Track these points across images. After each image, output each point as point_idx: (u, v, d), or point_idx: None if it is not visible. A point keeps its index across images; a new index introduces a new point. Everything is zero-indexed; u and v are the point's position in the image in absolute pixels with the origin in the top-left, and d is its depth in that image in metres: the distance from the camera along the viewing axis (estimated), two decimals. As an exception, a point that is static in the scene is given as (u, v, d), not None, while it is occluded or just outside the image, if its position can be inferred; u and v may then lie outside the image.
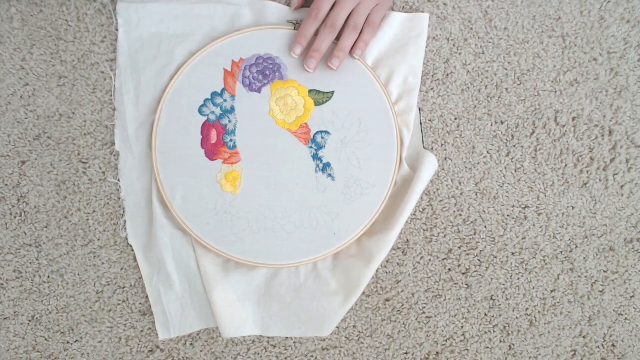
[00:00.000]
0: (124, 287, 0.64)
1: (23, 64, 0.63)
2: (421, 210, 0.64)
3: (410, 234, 0.64)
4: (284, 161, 0.61)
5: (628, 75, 0.65)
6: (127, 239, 0.63)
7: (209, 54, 0.61)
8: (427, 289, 0.65)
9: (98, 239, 0.63)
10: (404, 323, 0.64)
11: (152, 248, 0.62)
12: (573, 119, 0.65)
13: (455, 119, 0.64)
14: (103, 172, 0.63)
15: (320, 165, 0.62)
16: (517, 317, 0.65)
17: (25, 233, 0.63)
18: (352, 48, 0.60)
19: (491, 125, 0.65)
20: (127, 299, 0.64)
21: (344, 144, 0.62)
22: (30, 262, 0.63)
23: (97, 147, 0.63)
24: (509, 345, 0.65)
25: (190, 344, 0.64)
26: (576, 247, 0.65)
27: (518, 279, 0.65)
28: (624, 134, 0.65)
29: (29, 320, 0.64)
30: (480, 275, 0.65)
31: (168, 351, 0.64)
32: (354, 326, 0.64)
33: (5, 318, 0.64)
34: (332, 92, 0.62)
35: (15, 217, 0.63)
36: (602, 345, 0.66)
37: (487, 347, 0.65)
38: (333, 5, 0.59)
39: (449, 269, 0.65)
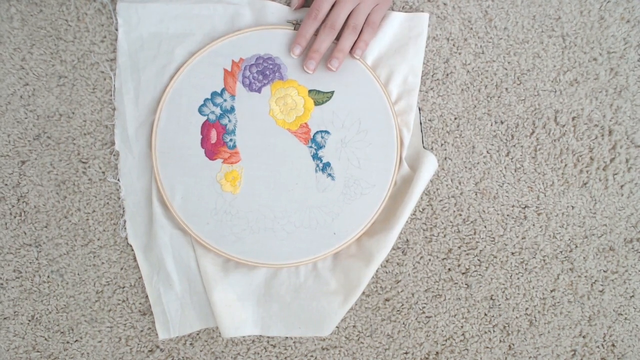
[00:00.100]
0: (124, 287, 0.64)
1: (23, 64, 0.63)
2: (421, 210, 0.64)
3: (410, 234, 0.64)
4: (284, 161, 0.61)
5: (628, 75, 0.65)
6: (127, 239, 0.63)
7: (209, 54, 0.61)
8: (427, 289, 0.65)
9: (98, 239, 0.63)
10: (404, 323, 0.64)
11: (152, 248, 0.62)
12: (573, 119, 0.65)
13: (455, 119, 0.64)
14: (103, 172, 0.63)
15: (320, 165, 0.62)
16: (517, 317, 0.65)
17: (25, 233, 0.63)
18: (352, 48, 0.60)
19: (491, 125, 0.65)
20: (127, 299, 0.64)
21: (344, 144, 0.62)
22: (30, 262, 0.63)
23: (97, 147, 0.63)
24: (509, 345, 0.65)
25: (190, 344, 0.64)
26: (576, 247, 0.65)
27: (518, 279, 0.65)
28: (624, 134, 0.65)
29: (29, 320, 0.64)
30: (480, 275, 0.65)
31: (168, 351, 0.64)
32: (354, 326, 0.64)
33: (5, 318, 0.64)
34: (332, 92, 0.62)
35: (15, 217, 0.63)
36: (602, 345, 0.66)
37: (487, 347, 0.65)
38: (333, 6, 0.59)
39: (449, 269, 0.65)
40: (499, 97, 0.65)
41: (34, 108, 0.63)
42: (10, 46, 0.63)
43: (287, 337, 0.64)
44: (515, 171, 0.65)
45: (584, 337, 0.65)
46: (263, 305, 0.62)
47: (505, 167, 0.65)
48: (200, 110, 0.61)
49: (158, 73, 0.62)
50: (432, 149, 0.64)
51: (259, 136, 0.61)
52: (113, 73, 0.63)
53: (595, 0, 0.64)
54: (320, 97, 0.62)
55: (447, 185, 0.64)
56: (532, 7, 0.64)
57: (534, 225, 0.65)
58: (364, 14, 0.60)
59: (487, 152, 0.65)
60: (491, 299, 0.65)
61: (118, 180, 0.63)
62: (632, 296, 0.65)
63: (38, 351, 0.64)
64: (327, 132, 0.62)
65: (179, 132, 0.61)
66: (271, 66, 0.62)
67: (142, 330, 0.64)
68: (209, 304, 0.61)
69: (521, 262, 0.65)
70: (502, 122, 0.65)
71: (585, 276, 0.65)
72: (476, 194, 0.65)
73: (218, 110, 0.61)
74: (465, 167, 0.64)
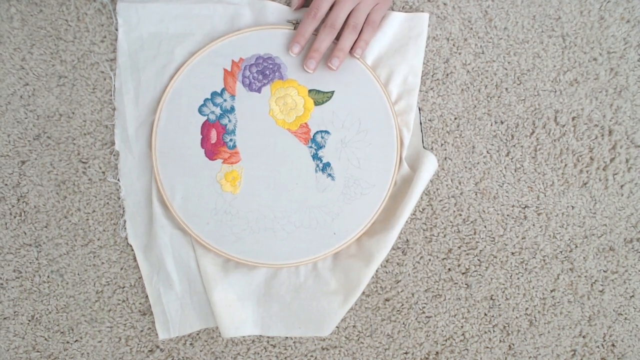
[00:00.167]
0: (124, 287, 0.64)
1: (23, 64, 0.63)
2: (421, 210, 0.64)
3: (410, 234, 0.64)
4: (284, 161, 0.61)
5: (628, 75, 0.65)
6: (127, 239, 0.63)
7: (209, 54, 0.61)
8: (427, 289, 0.65)
9: (98, 239, 0.63)
10: (404, 323, 0.64)
11: (152, 248, 0.62)
12: (573, 119, 0.65)
13: (455, 119, 0.64)
14: (103, 172, 0.63)
15: (320, 165, 0.62)
16: (517, 317, 0.65)
17: (25, 233, 0.63)
18: (352, 48, 0.60)
19: (491, 125, 0.65)
20: (127, 299, 0.64)
21: (344, 144, 0.62)
22: (30, 262, 0.63)
23: (97, 147, 0.63)
24: (509, 345, 0.65)
25: (190, 344, 0.64)
26: (576, 247, 0.65)
27: (518, 279, 0.65)
28: (624, 134, 0.65)
29: (29, 320, 0.64)
30: (480, 275, 0.65)
31: (168, 351, 0.64)
32: (354, 326, 0.64)
33: (5, 318, 0.64)
34: (332, 92, 0.62)
35: (15, 217, 0.63)
36: (602, 345, 0.66)
37: (487, 347, 0.65)
38: (333, 5, 0.59)
39: (449, 269, 0.65)
40: (499, 97, 0.65)
41: (34, 108, 0.63)
42: (10, 46, 0.63)
43: (287, 337, 0.64)
44: (515, 171, 0.65)
45: (584, 337, 0.65)
46: (263, 305, 0.62)
47: (505, 167, 0.65)
48: (200, 110, 0.61)
49: (158, 73, 0.62)
50: (432, 149, 0.64)
51: (259, 136, 0.61)
52: (113, 73, 0.63)
53: (595, 0, 0.64)
54: (320, 97, 0.62)
55: (447, 185, 0.64)
56: (532, 7, 0.64)
57: (534, 225, 0.65)
58: (364, 14, 0.60)
59: (487, 152, 0.65)
60: (491, 299, 0.65)
61: (118, 180, 0.63)
62: (632, 296, 0.65)
63: (38, 351, 0.64)
64: (327, 132, 0.62)
65: (179, 132, 0.61)
66: (271, 66, 0.62)
67: (142, 330, 0.64)
68: (209, 304, 0.61)
69: (521, 262, 0.65)
70: (502, 122, 0.65)
71: (585, 276, 0.65)
72: (476, 194, 0.65)
73: (218, 110, 0.61)
74: (465, 167, 0.64)
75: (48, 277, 0.63)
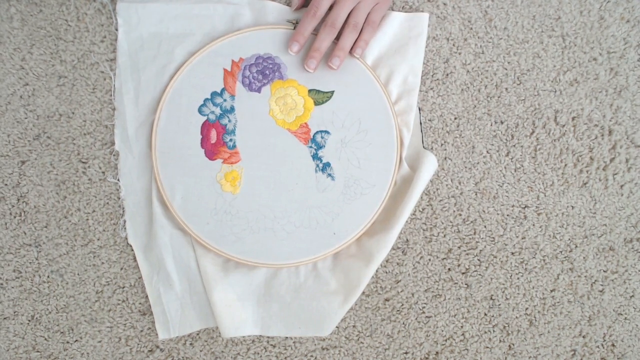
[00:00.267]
0: (124, 287, 0.64)
1: (23, 64, 0.63)
2: (421, 210, 0.64)
3: (410, 234, 0.64)
4: (284, 161, 0.61)
5: (628, 75, 0.65)
6: (127, 239, 0.63)
7: (208, 54, 0.61)
8: (427, 289, 0.65)
9: (98, 239, 0.63)
10: (404, 323, 0.64)
11: (152, 248, 0.62)
12: (573, 119, 0.65)
13: (455, 119, 0.64)
14: (103, 172, 0.63)
15: (320, 165, 0.62)
16: (517, 317, 0.65)
17: (25, 233, 0.63)
18: (352, 47, 0.60)
19: (491, 125, 0.65)
20: (127, 299, 0.64)
21: (344, 144, 0.62)
22: (30, 262, 0.63)
23: (97, 147, 0.63)
24: (509, 345, 0.65)
25: (190, 344, 0.64)
26: (576, 247, 0.65)
27: (518, 279, 0.65)
28: (624, 134, 0.65)
29: (29, 320, 0.64)
30: (480, 275, 0.65)
31: (168, 351, 0.64)
32: (354, 326, 0.64)
33: (5, 318, 0.64)
34: (332, 92, 0.62)
35: (15, 217, 0.63)
36: (602, 345, 0.66)
37: (487, 347, 0.65)
38: (333, 5, 0.59)
39: (449, 269, 0.65)
40: (499, 97, 0.65)
41: (34, 108, 0.63)
42: (10, 46, 0.63)
43: (287, 337, 0.64)
44: (515, 171, 0.65)
45: (584, 337, 0.65)
46: (263, 305, 0.62)
47: (505, 167, 0.65)
48: (200, 110, 0.61)
49: (158, 73, 0.62)
50: (432, 149, 0.64)
51: (259, 136, 0.61)
52: (113, 73, 0.63)
53: (595, 0, 0.64)
54: (320, 97, 0.62)
55: (447, 185, 0.64)
56: (532, 7, 0.64)
57: (534, 225, 0.65)
58: (364, 13, 0.60)
59: (487, 152, 0.65)
60: (491, 299, 0.65)
61: (118, 180, 0.63)
62: (632, 296, 0.65)
63: (38, 351, 0.64)
64: (327, 132, 0.62)
65: (179, 132, 0.61)
66: (271, 66, 0.62)
67: (142, 330, 0.64)
68: (209, 304, 0.61)
69: (521, 262, 0.65)
70: (502, 122, 0.65)
71: (585, 276, 0.65)
72: (476, 194, 0.65)
73: (218, 110, 0.61)
74: (465, 167, 0.64)
75: (48, 277, 0.63)
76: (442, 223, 0.64)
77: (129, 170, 0.62)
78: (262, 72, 0.62)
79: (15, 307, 0.64)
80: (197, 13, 0.62)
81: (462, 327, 0.65)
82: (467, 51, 0.64)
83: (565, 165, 0.65)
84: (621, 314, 0.65)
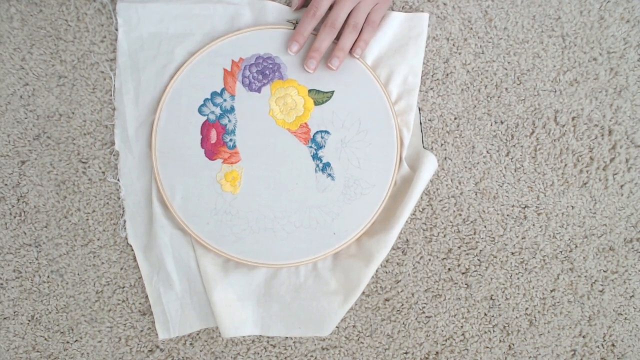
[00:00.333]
0: (124, 287, 0.64)
1: (23, 64, 0.63)
2: (421, 210, 0.64)
3: (410, 234, 0.64)
4: (284, 161, 0.61)
5: (628, 75, 0.65)
6: (127, 239, 0.63)
7: (208, 54, 0.61)
8: (427, 289, 0.65)
9: (98, 239, 0.63)
10: (404, 323, 0.64)
11: (152, 248, 0.62)
12: (573, 119, 0.65)
13: (455, 119, 0.64)
14: (103, 172, 0.63)
15: (320, 165, 0.62)
16: (517, 317, 0.65)
17: (25, 233, 0.63)
18: (352, 48, 0.60)
19: (491, 125, 0.65)
20: (127, 299, 0.64)
21: (344, 144, 0.62)
22: (30, 262, 0.63)
23: (97, 147, 0.63)
24: (509, 345, 0.65)
25: (190, 344, 0.64)
26: (576, 247, 0.65)
27: (518, 279, 0.65)
28: (624, 134, 0.65)
29: (29, 320, 0.64)
30: (480, 275, 0.65)
31: (168, 351, 0.64)
32: (354, 326, 0.64)
33: (5, 318, 0.64)
34: (332, 92, 0.62)
35: (15, 217, 0.63)
36: (602, 345, 0.66)
37: (487, 347, 0.65)
38: (332, 5, 0.59)
39: (449, 269, 0.65)
40: (499, 97, 0.65)
41: (34, 108, 0.63)
42: (10, 46, 0.63)
43: (287, 337, 0.64)
44: (515, 171, 0.65)
45: (584, 337, 0.65)
46: (263, 305, 0.62)
47: (505, 167, 0.65)
48: (200, 110, 0.61)
49: (158, 73, 0.62)
50: (432, 149, 0.64)
51: (259, 136, 0.61)
52: (113, 73, 0.63)
53: (595, 0, 0.64)
54: (320, 97, 0.62)
55: (447, 185, 0.64)
56: (532, 7, 0.64)
57: (534, 225, 0.65)
58: (364, 13, 0.60)
59: (487, 152, 0.65)
60: (491, 299, 0.65)
61: (118, 180, 0.63)
62: (632, 296, 0.65)
63: (38, 351, 0.64)
64: (327, 132, 0.62)
65: (179, 132, 0.61)
66: (271, 66, 0.62)
67: (142, 330, 0.64)
68: (209, 304, 0.61)
69: (521, 262, 0.65)
70: (502, 122, 0.65)
71: (585, 276, 0.65)
72: (476, 194, 0.65)
73: (218, 110, 0.61)
74: (465, 167, 0.64)
75: (48, 277, 0.63)
76: (442, 223, 0.64)
77: (129, 170, 0.62)
78: (262, 72, 0.62)
79: (15, 307, 0.64)
80: (197, 13, 0.62)
81: (462, 327, 0.65)
82: (467, 51, 0.64)
83: (565, 165, 0.65)
84: (621, 314, 0.65)
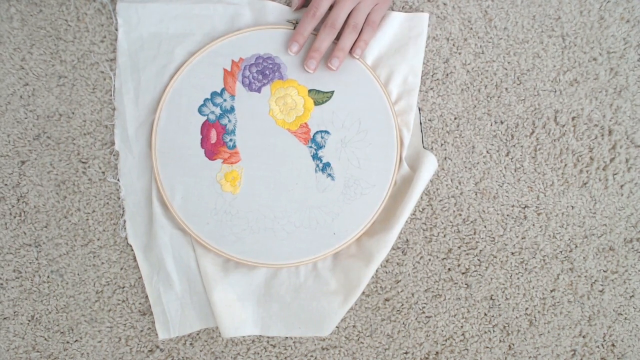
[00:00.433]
0: (124, 287, 0.64)
1: (23, 64, 0.63)
2: (421, 210, 0.64)
3: (410, 234, 0.64)
4: (284, 161, 0.61)
5: (628, 75, 0.65)
6: (127, 239, 0.63)
7: (208, 54, 0.61)
8: (427, 289, 0.65)
9: (98, 239, 0.63)
10: (404, 323, 0.64)
11: (152, 248, 0.62)
12: (573, 119, 0.65)
13: (455, 119, 0.64)
14: (103, 172, 0.63)
15: (320, 165, 0.62)
16: (517, 317, 0.65)
17: (25, 233, 0.63)
18: (352, 48, 0.60)
19: (491, 125, 0.65)
20: (127, 299, 0.64)
21: (344, 144, 0.62)
22: (30, 262, 0.63)
23: (97, 147, 0.63)
24: (509, 345, 0.65)
25: (190, 344, 0.64)
26: (576, 247, 0.65)
27: (518, 279, 0.65)
28: (624, 134, 0.65)
29: (29, 320, 0.64)
30: (480, 275, 0.65)
31: (168, 351, 0.64)
32: (354, 326, 0.64)
33: (5, 318, 0.64)
34: (332, 92, 0.62)
35: (15, 217, 0.63)
36: (602, 345, 0.66)
37: (487, 347, 0.65)
38: (332, 5, 0.59)
39: (449, 269, 0.65)
40: (499, 97, 0.65)
41: (34, 108, 0.63)
42: (10, 46, 0.63)
43: (287, 337, 0.64)
44: (515, 171, 0.65)
45: (584, 337, 0.65)
46: (263, 305, 0.62)
47: (505, 167, 0.65)
48: (200, 110, 0.61)
49: (158, 73, 0.62)
50: (432, 149, 0.64)
51: (259, 136, 0.61)
52: (113, 73, 0.63)
53: (595, 0, 0.65)
54: (320, 97, 0.62)
55: (447, 185, 0.64)
56: (532, 7, 0.64)
57: (534, 225, 0.65)
58: (364, 13, 0.60)
59: (487, 152, 0.65)
60: (491, 299, 0.65)
61: (118, 180, 0.63)
62: (632, 296, 0.65)
63: (38, 351, 0.64)
64: (327, 132, 0.62)
65: (179, 132, 0.61)
66: (271, 66, 0.62)
67: (142, 330, 0.64)
68: (209, 304, 0.61)
69: (521, 262, 0.65)
70: (502, 122, 0.65)
71: (585, 276, 0.65)
72: (476, 194, 0.65)
73: (218, 110, 0.61)
74: (465, 167, 0.64)
75: (48, 277, 0.63)
76: (442, 223, 0.64)
77: (129, 170, 0.62)
78: (262, 72, 0.62)
79: (15, 307, 0.64)
80: (197, 13, 0.62)
81: (462, 327, 0.65)
82: (467, 51, 0.64)
83: (565, 165, 0.65)
84: (621, 314, 0.65)
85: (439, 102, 0.64)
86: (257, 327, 0.62)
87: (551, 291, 0.65)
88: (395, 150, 0.62)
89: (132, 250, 0.63)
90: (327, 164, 0.62)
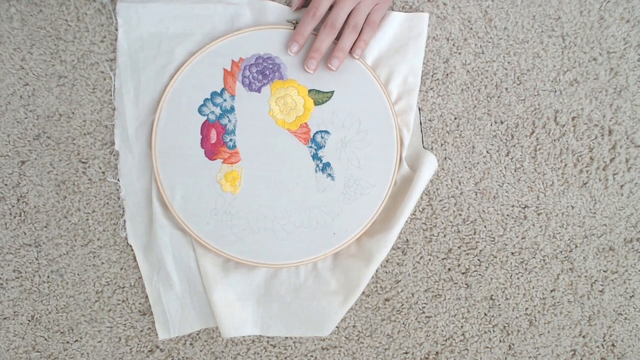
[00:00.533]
0: (124, 287, 0.64)
1: (23, 64, 0.63)
2: (421, 210, 0.64)
3: (410, 234, 0.64)
4: (284, 161, 0.61)
5: (628, 75, 0.65)
6: (127, 239, 0.63)
7: (208, 54, 0.61)
8: (427, 289, 0.65)
9: (98, 239, 0.63)
10: (404, 323, 0.64)
11: (152, 248, 0.62)
12: (573, 119, 0.65)
13: (455, 119, 0.64)
14: (103, 172, 0.63)
15: (320, 165, 0.62)
16: (517, 317, 0.65)
17: (25, 233, 0.63)
18: (352, 48, 0.60)
19: (491, 125, 0.65)
20: (127, 299, 0.64)
21: (344, 144, 0.62)
22: (30, 262, 0.63)
23: (97, 147, 0.63)
24: (509, 345, 0.65)
25: (190, 344, 0.64)
26: (576, 247, 0.65)
27: (518, 279, 0.65)
28: (623, 134, 0.65)
29: (29, 320, 0.64)
30: (480, 275, 0.65)
31: (168, 351, 0.64)
32: (354, 326, 0.64)
33: (5, 318, 0.64)
34: (332, 92, 0.62)
35: (15, 217, 0.63)
36: (602, 345, 0.66)
37: (487, 347, 0.65)
38: (332, 5, 0.59)
39: (449, 269, 0.65)
40: (499, 97, 0.65)
41: (34, 108, 0.63)
42: (10, 46, 0.63)
43: (287, 337, 0.64)
44: (515, 171, 0.65)
45: (584, 337, 0.65)
46: (263, 305, 0.62)
47: (505, 167, 0.65)
48: (200, 110, 0.61)
49: (158, 73, 0.62)
50: (432, 149, 0.64)
51: (259, 136, 0.61)
52: (113, 73, 0.63)
53: (595, 0, 0.65)
54: (320, 97, 0.62)
55: (447, 185, 0.64)
56: (532, 7, 0.64)
57: (534, 225, 0.65)
58: (364, 14, 0.60)
59: (487, 152, 0.65)
60: (491, 299, 0.65)
61: (118, 180, 0.63)
62: (632, 296, 0.65)
63: (38, 351, 0.64)
64: (327, 132, 0.62)
65: (179, 132, 0.61)
66: (271, 66, 0.62)
67: (142, 330, 0.64)
68: (209, 304, 0.61)
69: (521, 262, 0.65)
70: (502, 122, 0.65)
71: (585, 276, 0.65)
72: (476, 194, 0.65)
73: (218, 110, 0.61)
74: (465, 167, 0.64)
75: (48, 277, 0.63)
76: (442, 223, 0.64)
77: (129, 170, 0.62)
78: (262, 72, 0.62)
79: (15, 307, 0.64)
80: (197, 13, 0.62)
81: (462, 327, 0.65)
82: (467, 51, 0.64)
83: (565, 165, 0.65)
84: (621, 314, 0.65)
85: (439, 102, 0.64)
86: (257, 327, 0.62)
87: (551, 291, 0.65)
88: (395, 150, 0.62)
89: (132, 250, 0.63)
90: (327, 164, 0.62)
